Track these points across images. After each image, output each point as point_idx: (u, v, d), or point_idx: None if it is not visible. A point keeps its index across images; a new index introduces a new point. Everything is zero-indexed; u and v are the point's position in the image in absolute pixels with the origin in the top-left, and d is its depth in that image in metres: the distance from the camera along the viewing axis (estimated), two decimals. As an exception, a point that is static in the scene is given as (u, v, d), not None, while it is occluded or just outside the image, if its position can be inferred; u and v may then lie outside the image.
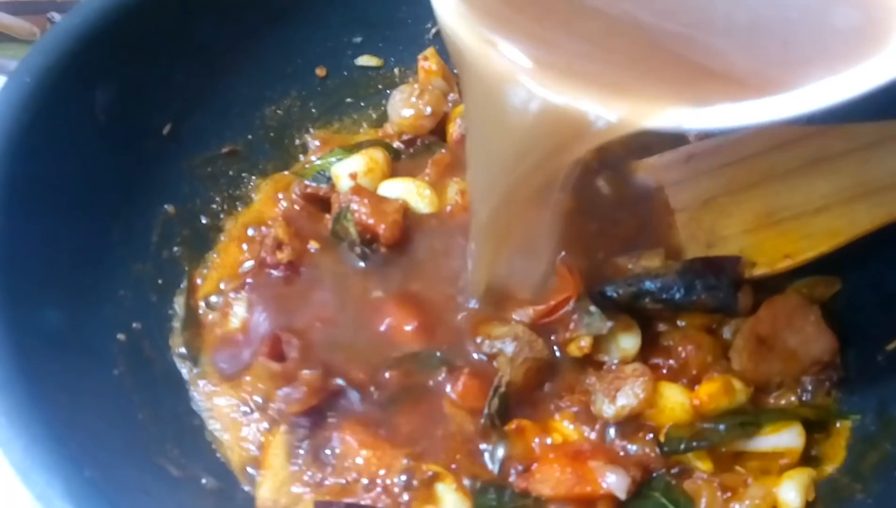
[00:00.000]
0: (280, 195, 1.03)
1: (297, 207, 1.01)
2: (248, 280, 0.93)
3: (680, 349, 0.83)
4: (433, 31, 1.19)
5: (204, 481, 0.78)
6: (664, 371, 0.83)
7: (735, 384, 0.80)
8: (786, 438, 0.78)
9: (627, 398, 0.78)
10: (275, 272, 0.93)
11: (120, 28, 0.92)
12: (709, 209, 0.96)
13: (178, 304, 0.94)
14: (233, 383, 0.85)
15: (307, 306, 0.90)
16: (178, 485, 0.75)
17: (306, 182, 1.03)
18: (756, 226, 0.92)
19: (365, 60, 1.17)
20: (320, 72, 1.15)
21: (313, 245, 0.95)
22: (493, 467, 0.77)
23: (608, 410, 0.78)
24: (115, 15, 0.92)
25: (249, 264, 0.96)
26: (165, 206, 0.98)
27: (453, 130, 1.07)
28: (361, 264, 0.92)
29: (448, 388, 0.80)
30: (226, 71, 1.06)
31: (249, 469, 0.81)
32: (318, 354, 0.84)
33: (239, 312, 0.92)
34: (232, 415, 0.84)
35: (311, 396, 0.79)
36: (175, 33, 0.99)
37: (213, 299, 0.95)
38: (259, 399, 0.84)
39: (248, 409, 0.84)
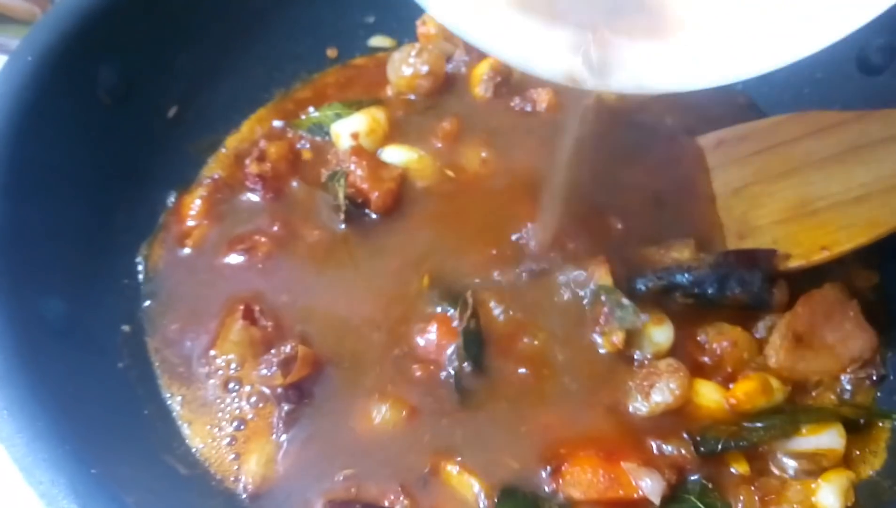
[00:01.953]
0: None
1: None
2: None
3: (715, 345, 0.80)
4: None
5: (212, 482, 0.74)
6: (699, 368, 0.79)
7: (772, 383, 0.77)
8: (826, 439, 0.75)
9: (662, 394, 0.75)
10: (250, 196, 0.91)
11: (124, 7, 0.89)
12: (740, 198, 0.93)
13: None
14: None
15: (279, 269, 0.86)
16: (186, 484, 0.71)
17: (301, 133, 1.00)
18: (790, 216, 0.88)
19: (378, 41, 1.13)
20: (331, 53, 1.11)
21: (297, 182, 0.93)
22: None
23: (642, 407, 0.75)
24: (119, -9, 0.88)
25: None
26: (170, 191, 0.94)
27: (478, 90, 1.03)
28: (341, 226, 0.89)
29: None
30: (233, 52, 1.03)
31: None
32: (290, 322, 0.81)
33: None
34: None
35: (303, 366, 0.76)
36: (181, 13, 0.95)
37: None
38: (235, 374, 0.79)
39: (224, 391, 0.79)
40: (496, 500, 0.71)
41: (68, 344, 0.72)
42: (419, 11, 1.09)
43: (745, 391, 0.76)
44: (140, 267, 0.88)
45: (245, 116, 1.04)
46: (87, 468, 0.59)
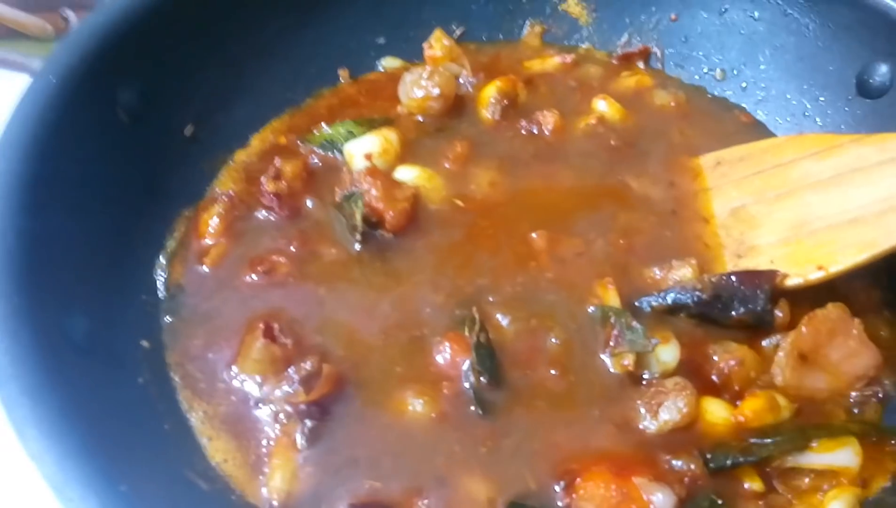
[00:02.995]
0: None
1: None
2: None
3: (722, 364, 0.81)
4: (458, 31, 1.17)
5: (233, 497, 0.75)
6: (706, 386, 0.81)
7: (779, 400, 0.79)
8: (842, 457, 0.77)
9: (670, 412, 0.76)
10: (267, 214, 0.93)
11: (143, 28, 0.91)
12: (738, 218, 0.95)
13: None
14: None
15: (298, 287, 0.88)
16: (208, 499, 0.73)
17: (313, 148, 1.01)
18: (788, 236, 0.91)
19: (388, 62, 1.15)
20: (343, 74, 1.13)
21: (312, 201, 0.95)
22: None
23: (651, 425, 0.76)
24: (138, 15, 0.91)
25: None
26: (186, 208, 0.95)
27: (485, 113, 1.06)
28: (357, 246, 0.90)
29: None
30: (248, 72, 1.05)
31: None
32: (310, 340, 0.83)
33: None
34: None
35: (327, 383, 0.78)
36: (197, 34, 0.98)
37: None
38: (256, 392, 0.80)
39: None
40: None
41: (91, 361, 0.73)
42: (428, 32, 1.12)
43: (753, 408, 0.78)
44: (159, 283, 0.89)
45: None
46: (116, 485, 0.60)
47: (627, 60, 1.18)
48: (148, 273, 0.89)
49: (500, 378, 0.80)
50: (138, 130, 0.91)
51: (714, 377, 0.82)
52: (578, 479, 0.73)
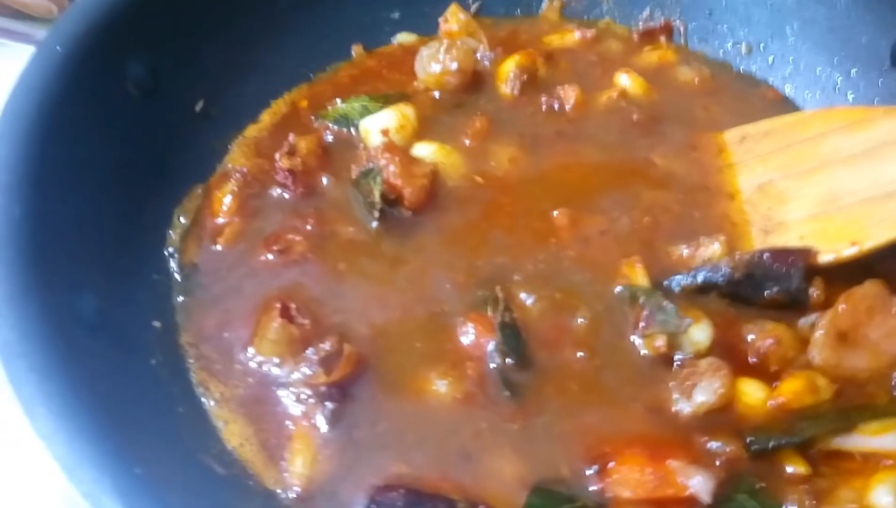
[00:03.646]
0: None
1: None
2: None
3: (758, 344, 0.78)
4: (474, 5, 1.14)
5: (251, 482, 0.72)
6: (742, 367, 0.77)
7: (818, 381, 0.75)
8: (891, 440, 0.73)
9: (705, 393, 0.73)
10: (279, 191, 0.90)
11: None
12: (765, 194, 0.92)
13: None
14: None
15: (315, 266, 0.85)
16: (224, 484, 0.70)
17: (329, 123, 0.98)
18: (818, 212, 0.87)
19: (403, 38, 1.12)
20: (356, 49, 1.10)
21: (327, 178, 0.92)
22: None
23: (685, 408, 0.73)
24: (148, -15, 0.87)
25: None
26: (197, 185, 0.92)
27: (504, 88, 1.03)
28: (374, 223, 0.87)
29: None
30: (259, 48, 1.02)
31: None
32: (328, 320, 0.80)
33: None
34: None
35: (348, 364, 0.75)
36: (209, 7, 0.95)
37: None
38: (274, 373, 0.77)
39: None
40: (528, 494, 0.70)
41: (101, 340, 0.70)
42: (444, 7, 1.09)
43: (792, 389, 0.75)
44: (172, 262, 0.86)
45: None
46: (131, 467, 0.58)
47: (650, 36, 1.14)
48: (160, 252, 0.86)
49: (527, 359, 0.77)
50: (148, 105, 0.88)
51: (750, 358, 0.79)
52: (612, 463, 0.70)
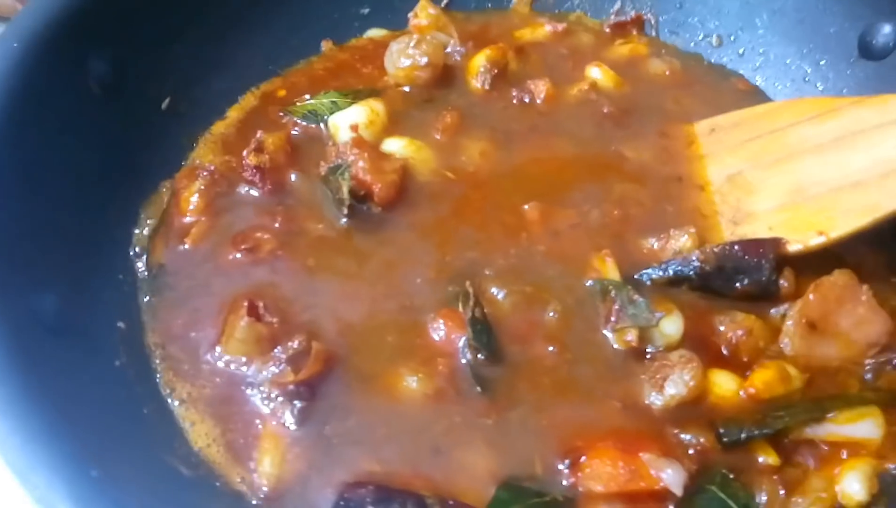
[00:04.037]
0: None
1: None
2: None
3: (730, 334, 0.78)
4: (444, 1, 1.13)
5: (217, 483, 0.71)
6: (713, 358, 0.77)
7: (790, 370, 0.75)
8: (864, 428, 0.73)
9: (676, 386, 0.73)
10: (249, 189, 0.89)
11: (115, -7, 0.86)
12: (734, 185, 0.92)
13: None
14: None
15: (283, 264, 0.84)
16: (190, 486, 0.68)
17: (297, 120, 0.97)
18: (786, 202, 0.87)
19: (373, 33, 1.11)
20: (326, 46, 1.09)
21: (296, 174, 0.91)
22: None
23: (656, 400, 0.73)
24: (110, -21, 0.86)
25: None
26: (163, 183, 0.91)
27: (475, 83, 1.02)
28: (343, 220, 0.86)
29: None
30: (227, 43, 1.00)
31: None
32: (297, 319, 0.79)
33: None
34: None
35: (316, 362, 0.74)
36: (174, 3, 0.93)
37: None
38: (242, 373, 0.76)
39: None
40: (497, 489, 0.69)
41: (63, 342, 0.69)
42: (414, 2, 1.08)
43: (763, 379, 0.74)
44: (138, 262, 0.84)
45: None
46: (87, 469, 0.56)
47: (621, 29, 1.14)
48: (125, 252, 0.85)
49: (499, 354, 0.77)
50: (112, 103, 0.86)
51: (722, 349, 0.78)
52: (584, 457, 0.69)
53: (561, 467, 0.70)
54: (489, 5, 1.16)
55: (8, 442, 0.55)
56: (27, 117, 0.76)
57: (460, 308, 0.78)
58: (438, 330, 0.78)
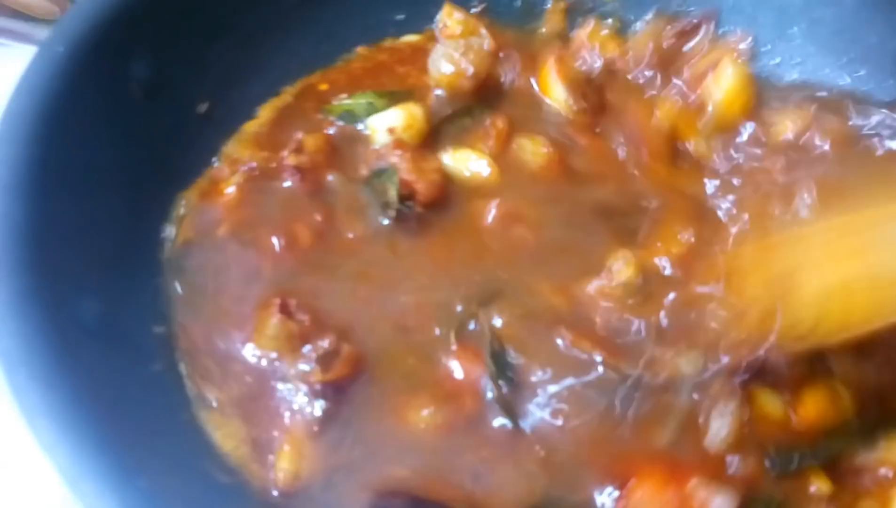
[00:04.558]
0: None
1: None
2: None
3: None
4: (481, 7, 1.12)
5: (250, 488, 0.70)
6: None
7: (840, 391, 0.73)
8: None
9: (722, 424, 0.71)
10: (284, 186, 0.87)
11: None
12: (779, 251, 0.77)
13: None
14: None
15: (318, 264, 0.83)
16: (228, 493, 0.68)
17: (332, 119, 0.96)
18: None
19: (408, 39, 1.10)
20: (361, 51, 1.08)
21: (334, 175, 0.89)
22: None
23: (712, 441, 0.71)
24: (151, -15, 0.86)
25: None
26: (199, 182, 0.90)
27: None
28: (386, 221, 0.85)
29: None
30: (263, 48, 1.00)
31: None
32: (328, 317, 0.78)
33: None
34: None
35: (346, 365, 0.73)
36: (212, 8, 0.93)
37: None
38: (271, 371, 0.75)
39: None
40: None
41: (103, 347, 0.69)
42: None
43: (814, 402, 0.73)
44: (172, 263, 0.84)
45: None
46: (135, 479, 0.56)
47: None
48: (160, 255, 0.84)
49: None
50: (152, 107, 0.86)
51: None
52: (630, 483, 0.67)
53: (600, 495, 0.68)
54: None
55: (59, 450, 0.55)
56: (72, 120, 0.76)
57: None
58: (457, 370, 0.76)
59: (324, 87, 1.01)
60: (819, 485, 0.70)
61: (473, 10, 1.11)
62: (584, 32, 1.08)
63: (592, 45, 1.06)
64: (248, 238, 0.84)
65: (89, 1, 0.82)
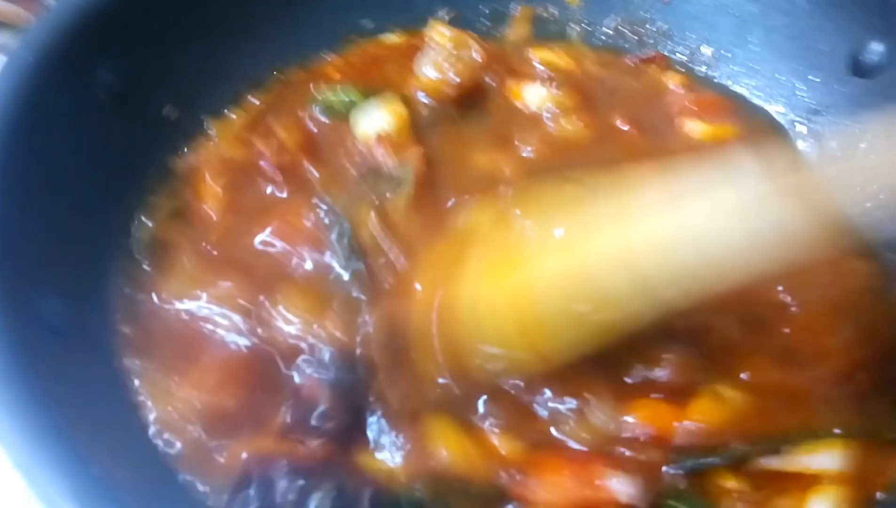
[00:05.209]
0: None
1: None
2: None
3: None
4: (447, 17, 1.15)
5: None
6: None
7: (724, 392, 0.74)
8: (822, 460, 0.71)
9: None
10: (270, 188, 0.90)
11: (123, 6, 0.89)
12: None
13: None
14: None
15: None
16: (178, 487, 0.71)
17: (314, 113, 0.98)
18: None
19: (393, 40, 1.11)
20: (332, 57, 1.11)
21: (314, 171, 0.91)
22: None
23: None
24: (118, -8, 0.88)
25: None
26: (169, 190, 0.93)
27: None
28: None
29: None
30: (231, 54, 1.03)
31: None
32: None
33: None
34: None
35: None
36: (179, 13, 0.95)
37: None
38: None
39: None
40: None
41: (67, 345, 0.72)
42: (415, 16, 1.10)
43: (701, 409, 0.74)
44: (143, 264, 0.87)
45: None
46: (88, 468, 0.59)
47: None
48: (129, 256, 0.87)
49: None
50: (119, 112, 0.89)
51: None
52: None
53: (508, 478, 0.69)
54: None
55: (12, 441, 0.58)
56: (39, 127, 0.79)
57: None
58: None
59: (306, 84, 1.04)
60: (726, 482, 0.71)
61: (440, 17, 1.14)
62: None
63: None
64: (231, 245, 0.87)
65: (57, 10, 0.84)
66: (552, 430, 0.72)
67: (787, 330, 0.80)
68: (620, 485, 0.67)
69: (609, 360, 0.72)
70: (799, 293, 0.81)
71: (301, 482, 0.66)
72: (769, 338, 0.79)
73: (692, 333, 0.77)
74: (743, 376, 0.76)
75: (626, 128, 1.02)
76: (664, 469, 0.71)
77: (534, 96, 1.03)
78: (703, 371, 0.75)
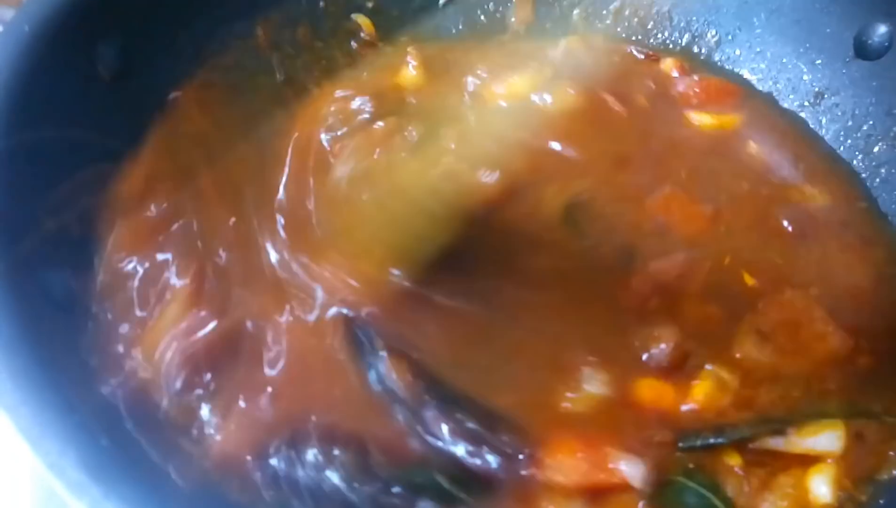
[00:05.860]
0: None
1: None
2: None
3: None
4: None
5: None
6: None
7: (724, 376, 0.75)
8: (823, 441, 0.72)
9: None
10: None
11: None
12: None
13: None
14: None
15: None
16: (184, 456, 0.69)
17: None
18: None
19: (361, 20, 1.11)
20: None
21: None
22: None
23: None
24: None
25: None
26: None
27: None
28: None
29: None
30: (234, 36, 1.01)
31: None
32: None
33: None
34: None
35: None
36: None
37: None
38: None
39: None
40: None
41: (71, 319, 0.71)
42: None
43: (704, 392, 0.75)
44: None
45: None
46: (97, 439, 0.58)
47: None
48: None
49: None
50: (120, 91, 0.87)
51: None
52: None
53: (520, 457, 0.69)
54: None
55: (20, 411, 0.57)
56: (36, 101, 0.77)
57: None
58: None
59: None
60: (729, 460, 0.72)
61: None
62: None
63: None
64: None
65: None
66: None
67: (785, 314, 0.81)
68: (630, 468, 0.68)
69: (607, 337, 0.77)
70: (819, 281, 0.84)
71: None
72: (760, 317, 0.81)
73: (687, 317, 0.80)
74: (738, 355, 0.78)
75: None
76: (672, 449, 0.72)
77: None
78: (700, 355, 0.77)
